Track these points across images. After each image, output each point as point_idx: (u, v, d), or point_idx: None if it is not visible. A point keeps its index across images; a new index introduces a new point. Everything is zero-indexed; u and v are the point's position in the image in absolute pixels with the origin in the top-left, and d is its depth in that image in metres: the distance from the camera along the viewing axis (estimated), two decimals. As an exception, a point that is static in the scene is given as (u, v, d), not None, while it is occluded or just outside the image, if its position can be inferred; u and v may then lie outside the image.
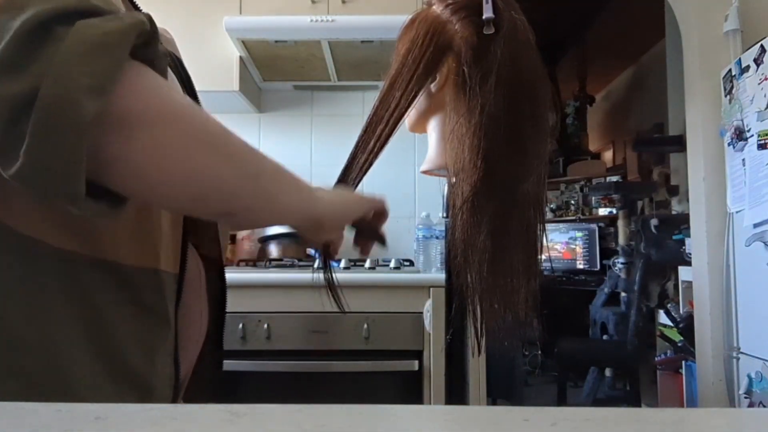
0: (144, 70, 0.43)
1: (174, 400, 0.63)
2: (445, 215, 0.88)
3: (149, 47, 0.43)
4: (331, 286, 0.78)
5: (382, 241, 0.75)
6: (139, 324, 0.56)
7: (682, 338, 2.56)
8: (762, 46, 1.71)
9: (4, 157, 0.39)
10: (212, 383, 0.74)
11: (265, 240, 2.08)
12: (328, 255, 0.76)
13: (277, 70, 2.15)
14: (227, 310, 0.75)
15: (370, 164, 0.77)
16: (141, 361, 0.57)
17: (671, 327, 2.71)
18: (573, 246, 4.47)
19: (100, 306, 0.53)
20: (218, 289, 0.73)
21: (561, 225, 4.63)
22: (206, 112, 0.48)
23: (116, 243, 0.54)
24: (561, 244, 4.50)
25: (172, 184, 0.46)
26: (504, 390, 2.88)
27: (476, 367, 1.58)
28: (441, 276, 1.55)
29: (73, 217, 0.50)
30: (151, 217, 0.58)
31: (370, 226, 0.73)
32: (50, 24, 0.39)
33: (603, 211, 4.63)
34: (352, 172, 0.77)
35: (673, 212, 3.43)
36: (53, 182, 0.39)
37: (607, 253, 4.16)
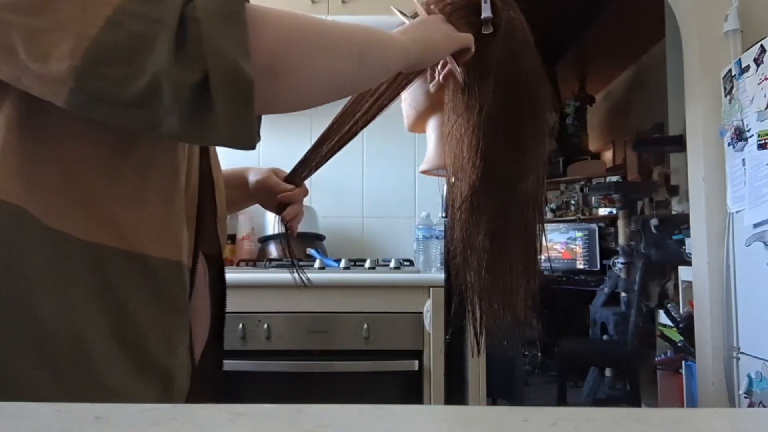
0: (255, 11, 0.48)
1: (191, 390, 0.65)
2: (444, 215, 0.88)
3: None
4: (292, 258, 0.87)
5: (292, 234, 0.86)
6: (162, 315, 0.58)
7: (682, 338, 2.56)
8: (762, 46, 1.71)
9: (198, 129, 0.46)
10: (213, 382, 0.74)
11: (265, 240, 2.08)
12: (288, 233, 0.84)
13: (277, 70, 2.15)
14: (227, 310, 0.75)
15: (339, 148, 0.79)
16: (163, 352, 0.58)
17: (671, 327, 2.70)
18: (573, 246, 4.46)
19: (126, 297, 0.54)
20: (218, 288, 0.73)
21: (561, 225, 4.62)
22: (299, 16, 0.53)
23: (143, 235, 0.56)
24: (561, 244, 4.50)
25: (313, 95, 0.55)
26: (504, 390, 2.88)
27: (476, 367, 1.58)
28: (441, 276, 1.55)
29: (102, 211, 0.53)
30: (175, 210, 0.59)
31: (287, 227, 0.85)
32: (184, 8, 0.44)
33: (603, 211, 4.63)
34: (322, 150, 0.79)
35: (673, 212, 3.43)
36: (243, 138, 0.47)
37: (607, 253, 4.16)
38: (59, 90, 0.45)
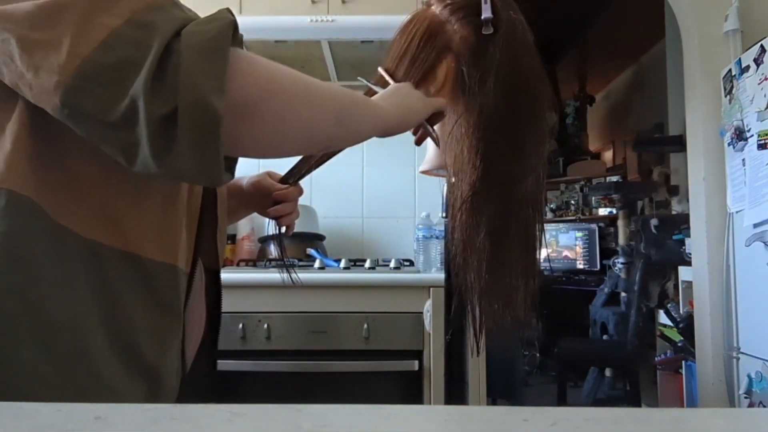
0: (241, 55, 0.49)
1: (185, 390, 0.65)
2: (444, 215, 0.88)
3: (237, 34, 0.49)
4: (282, 258, 0.88)
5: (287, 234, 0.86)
6: (155, 317, 0.59)
7: (682, 338, 2.56)
8: (762, 46, 1.71)
9: (163, 159, 0.46)
10: (207, 382, 0.75)
11: (265, 240, 2.08)
12: (282, 233, 0.84)
13: (277, 71, 2.15)
14: (222, 313, 0.76)
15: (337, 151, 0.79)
16: (154, 353, 0.59)
17: (671, 327, 2.70)
18: (573, 246, 4.46)
19: (120, 295, 0.55)
20: (213, 291, 0.73)
21: (561, 225, 4.62)
22: (285, 67, 0.54)
23: (141, 236, 0.56)
24: (561, 244, 4.50)
25: (286, 143, 0.55)
26: (504, 390, 2.88)
27: (476, 367, 1.58)
28: (441, 276, 1.55)
29: (104, 211, 0.54)
30: (176, 214, 0.60)
31: (282, 229, 0.85)
32: (171, 40, 0.45)
33: (603, 211, 4.63)
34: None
35: (673, 212, 3.43)
36: (206, 173, 0.47)
37: (607, 253, 4.16)
38: (48, 101, 0.46)
